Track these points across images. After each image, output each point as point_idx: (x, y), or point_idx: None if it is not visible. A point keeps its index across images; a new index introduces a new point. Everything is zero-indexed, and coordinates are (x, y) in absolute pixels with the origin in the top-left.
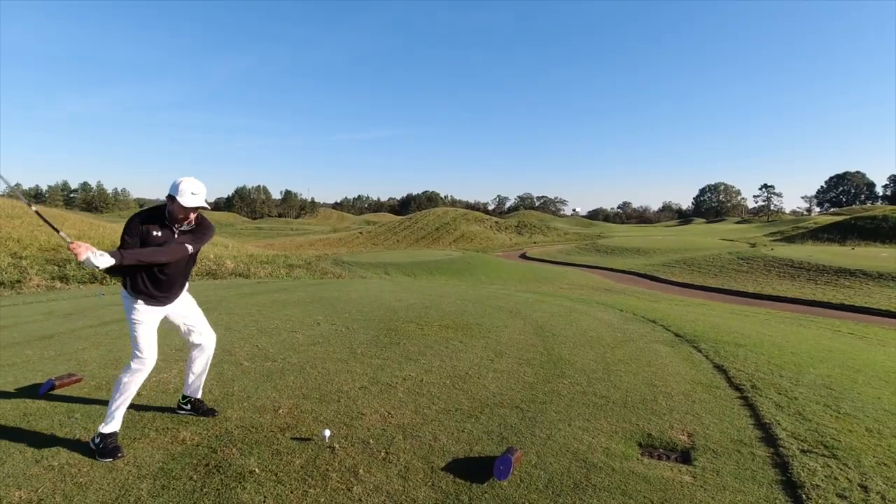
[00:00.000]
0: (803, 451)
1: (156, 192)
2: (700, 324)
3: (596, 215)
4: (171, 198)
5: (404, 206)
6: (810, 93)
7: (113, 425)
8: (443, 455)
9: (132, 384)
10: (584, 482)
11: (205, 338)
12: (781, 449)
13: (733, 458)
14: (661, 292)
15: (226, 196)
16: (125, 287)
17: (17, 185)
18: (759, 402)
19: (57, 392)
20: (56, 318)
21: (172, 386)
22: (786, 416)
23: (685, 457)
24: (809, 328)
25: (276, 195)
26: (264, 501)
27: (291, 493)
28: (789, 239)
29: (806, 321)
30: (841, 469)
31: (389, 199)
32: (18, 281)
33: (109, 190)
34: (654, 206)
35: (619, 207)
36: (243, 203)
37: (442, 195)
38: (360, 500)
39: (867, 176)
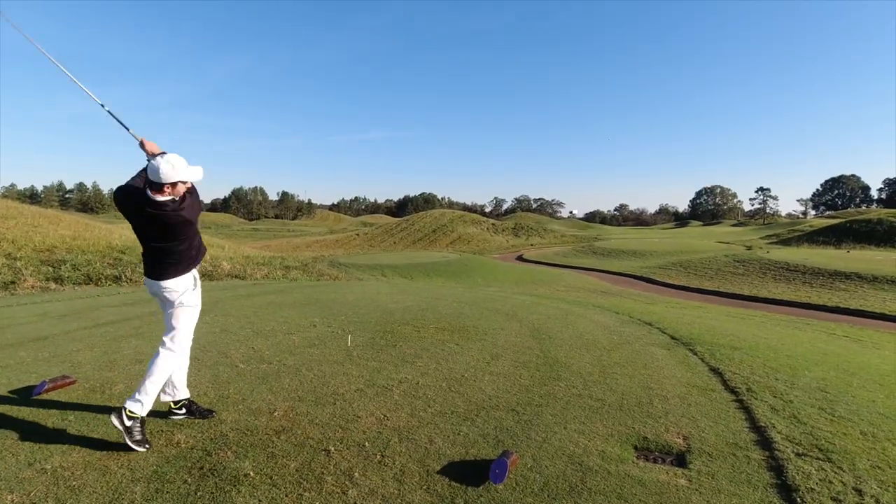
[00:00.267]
0: (798, 455)
1: None
2: (696, 326)
3: (593, 217)
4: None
5: (401, 207)
6: (806, 95)
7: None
8: (438, 458)
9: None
10: (580, 485)
11: (161, 344)
12: (776, 452)
13: (728, 461)
14: (658, 294)
15: (222, 197)
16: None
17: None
18: (754, 405)
19: (50, 394)
20: (50, 319)
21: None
22: (781, 420)
23: (681, 460)
24: (805, 331)
25: (273, 196)
26: None
27: (286, 496)
28: (785, 242)
29: (801, 324)
30: (835, 472)
31: (386, 200)
32: (13, 282)
33: (105, 190)
34: (651, 208)
35: (615, 210)
36: (240, 204)
37: (439, 197)
38: (355, 503)
39: (862, 179)
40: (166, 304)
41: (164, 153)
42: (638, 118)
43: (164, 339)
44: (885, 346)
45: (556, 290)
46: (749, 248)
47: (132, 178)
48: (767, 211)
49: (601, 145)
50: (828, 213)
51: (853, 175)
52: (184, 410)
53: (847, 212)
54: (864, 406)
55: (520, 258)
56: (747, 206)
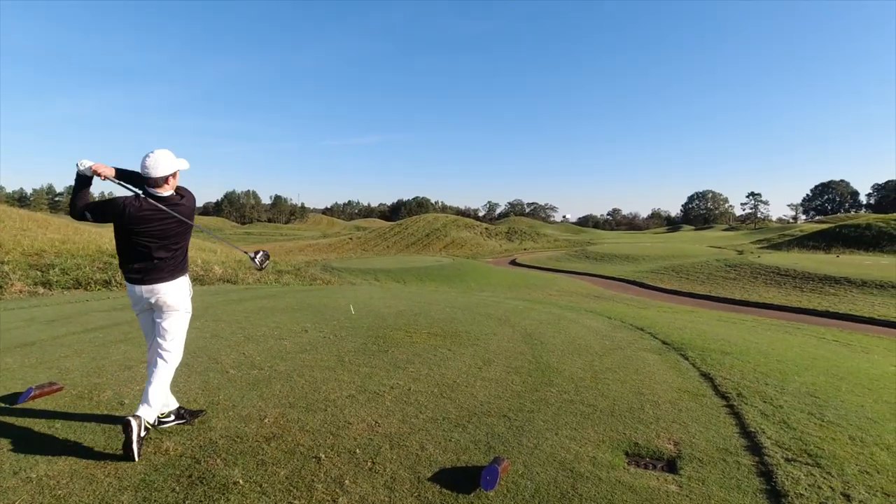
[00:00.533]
0: (788, 460)
1: None
2: (687, 331)
3: (586, 222)
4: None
5: (395, 211)
6: (797, 101)
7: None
8: (430, 465)
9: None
10: (571, 492)
11: (162, 351)
12: (766, 457)
13: (719, 466)
14: (650, 299)
15: (215, 200)
16: (184, 268)
17: None
18: (744, 410)
19: (37, 401)
20: (38, 324)
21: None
22: (771, 425)
23: (671, 466)
24: (795, 335)
25: (266, 200)
26: None
27: None
28: (776, 246)
29: (792, 328)
30: (824, 478)
31: (380, 204)
32: (0, 286)
33: (96, 194)
34: (644, 213)
35: (608, 214)
36: (232, 208)
37: (433, 201)
38: None
39: (851, 185)
40: (161, 311)
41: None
42: (631, 123)
43: (162, 343)
44: (873, 350)
45: (549, 294)
46: (740, 252)
47: (83, 196)
48: (758, 216)
49: (595, 150)
50: (817, 217)
51: (842, 180)
52: (172, 417)
53: (836, 217)
54: (853, 411)
55: (513, 262)
56: (738, 211)
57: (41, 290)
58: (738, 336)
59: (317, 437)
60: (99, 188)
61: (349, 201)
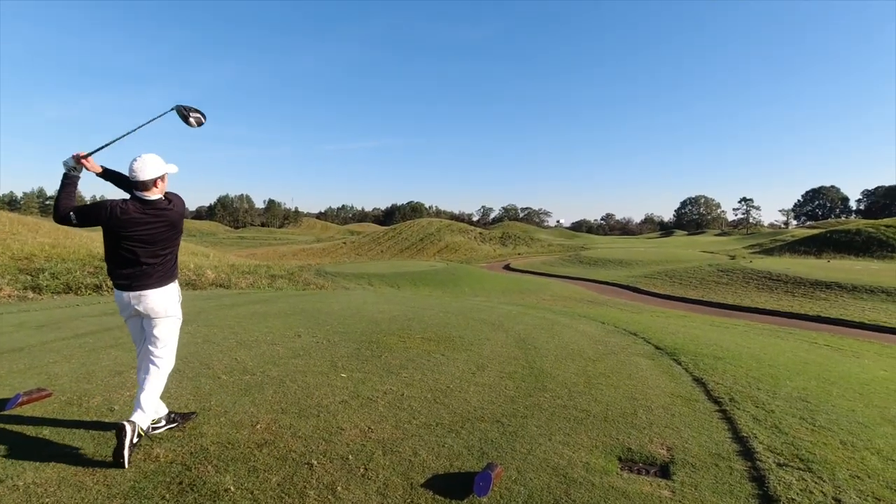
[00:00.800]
0: (779, 465)
1: None
2: (680, 336)
3: (580, 227)
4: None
5: (389, 216)
6: (788, 108)
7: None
8: (422, 471)
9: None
10: (564, 498)
11: (153, 358)
12: (758, 462)
13: (711, 472)
14: (643, 304)
15: (208, 205)
16: (174, 275)
17: None
18: (736, 415)
19: (25, 408)
20: (27, 329)
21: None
22: (763, 430)
23: (664, 471)
24: (787, 340)
25: (260, 204)
26: None
27: None
28: (768, 251)
29: (783, 333)
30: (816, 482)
31: (374, 209)
32: None
33: (87, 197)
34: (637, 217)
35: (602, 219)
36: (225, 212)
37: (426, 206)
38: None
39: (842, 190)
40: (150, 318)
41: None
42: (624, 128)
43: (153, 351)
44: (864, 355)
45: (542, 299)
46: (732, 257)
47: (68, 196)
48: (750, 221)
49: (588, 155)
50: (809, 223)
51: (833, 186)
52: (163, 422)
53: (827, 222)
54: (844, 415)
55: (507, 267)
56: (731, 216)
57: (31, 294)
58: (731, 341)
59: (309, 443)
60: (90, 192)
61: (343, 206)
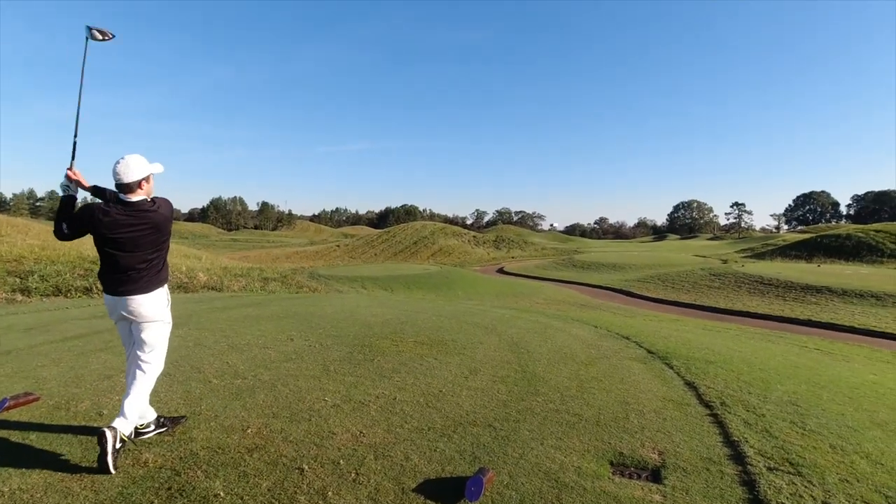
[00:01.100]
0: (770, 469)
1: None
2: (672, 340)
3: (573, 230)
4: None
5: (382, 219)
6: (780, 113)
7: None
8: (414, 476)
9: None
10: (556, 502)
11: (141, 363)
12: (749, 467)
13: (702, 476)
14: (636, 308)
15: (201, 207)
16: (163, 278)
17: None
18: (728, 419)
19: (11, 412)
20: (15, 332)
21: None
22: (754, 434)
23: (656, 475)
24: (778, 344)
25: (253, 206)
26: None
27: None
28: (759, 256)
29: (774, 337)
30: (805, 486)
31: (368, 212)
32: None
33: (79, 199)
34: (630, 221)
35: (595, 223)
36: (218, 214)
37: (420, 209)
38: None
39: (832, 195)
40: (139, 322)
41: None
42: (618, 133)
43: (141, 355)
44: (854, 359)
45: (535, 303)
46: (725, 261)
47: (64, 214)
48: (742, 225)
49: (582, 159)
50: (799, 227)
51: (823, 191)
52: (152, 427)
53: (818, 227)
54: (834, 419)
55: (500, 271)
56: (723, 221)
57: (19, 297)
58: (722, 345)
59: (300, 448)
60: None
61: (337, 208)
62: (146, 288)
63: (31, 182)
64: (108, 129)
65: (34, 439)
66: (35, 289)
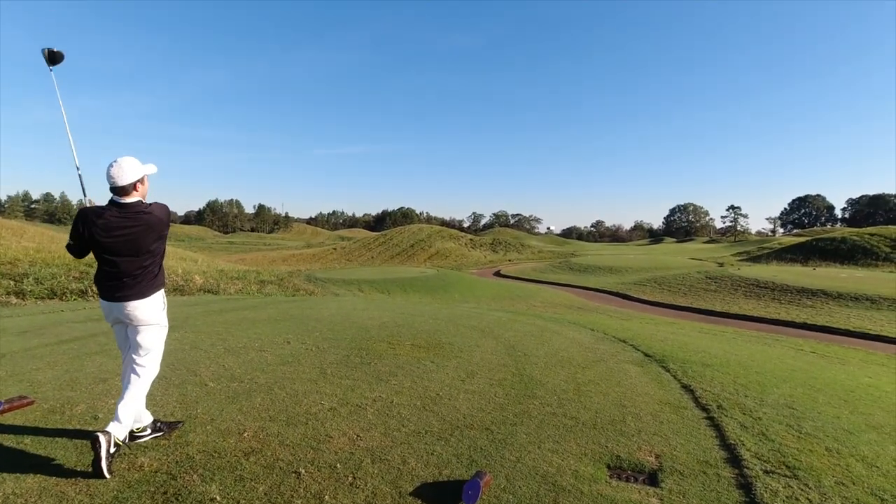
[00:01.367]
0: (766, 472)
1: None
2: (669, 343)
3: (570, 233)
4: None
5: (379, 222)
6: (775, 117)
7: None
8: (411, 479)
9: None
10: None
11: (136, 366)
12: (746, 470)
13: (699, 479)
14: (633, 311)
15: (197, 209)
16: (159, 282)
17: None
18: (724, 422)
19: (6, 416)
20: (9, 335)
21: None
22: (750, 437)
23: (653, 479)
24: (774, 347)
25: (250, 209)
26: None
27: None
28: (755, 259)
29: (771, 340)
30: (802, 489)
31: (364, 214)
32: None
33: (74, 201)
34: (627, 224)
35: (592, 226)
36: (215, 217)
37: (417, 211)
38: None
39: (827, 199)
40: (135, 326)
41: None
42: (614, 136)
43: (136, 359)
44: (849, 362)
45: (532, 305)
46: (721, 264)
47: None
48: (738, 228)
49: (579, 162)
50: (795, 231)
51: (818, 195)
52: (148, 431)
53: (813, 230)
54: (830, 422)
55: (497, 274)
56: (719, 224)
57: (14, 299)
58: (719, 348)
59: (297, 452)
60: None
61: (334, 211)
62: (142, 293)
63: (26, 184)
64: (102, 131)
65: (29, 443)
66: (30, 291)
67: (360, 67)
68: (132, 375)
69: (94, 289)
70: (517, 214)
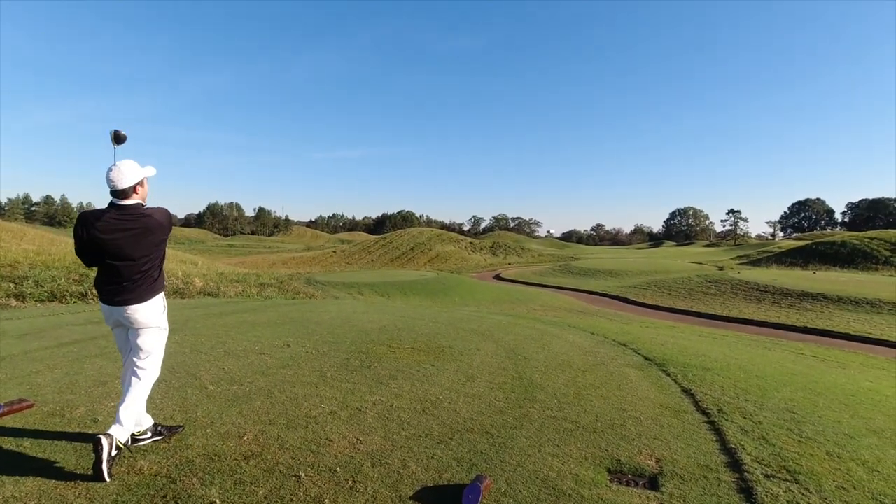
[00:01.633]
0: (767, 476)
1: None
2: (669, 347)
3: (570, 237)
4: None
5: (379, 225)
6: (775, 121)
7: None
8: (411, 483)
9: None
10: None
11: (136, 369)
12: (746, 474)
13: (700, 483)
14: (633, 314)
15: (197, 212)
16: (159, 286)
17: None
18: (725, 426)
19: (5, 419)
20: (9, 338)
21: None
22: (750, 441)
23: (653, 483)
24: (774, 351)
25: (250, 212)
26: None
27: None
28: (755, 262)
29: (771, 344)
30: (802, 494)
31: (364, 218)
32: None
33: (74, 204)
34: (627, 228)
35: (592, 229)
36: (215, 220)
37: (417, 215)
38: None
39: (827, 203)
40: (135, 329)
41: None
42: (614, 140)
43: (137, 362)
44: (850, 366)
45: (532, 309)
46: (721, 268)
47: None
48: (738, 232)
49: (578, 166)
50: (795, 234)
51: (818, 199)
52: (148, 434)
53: (813, 234)
54: (830, 426)
55: (497, 277)
56: (719, 228)
57: (14, 302)
58: (719, 352)
59: (297, 455)
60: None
61: (334, 214)
62: (142, 297)
63: (26, 187)
64: (102, 134)
65: (28, 446)
66: (30, 294)
67: (359, 70)
68: (133, 378)
69: (94, 292)
70: (517, 218)
